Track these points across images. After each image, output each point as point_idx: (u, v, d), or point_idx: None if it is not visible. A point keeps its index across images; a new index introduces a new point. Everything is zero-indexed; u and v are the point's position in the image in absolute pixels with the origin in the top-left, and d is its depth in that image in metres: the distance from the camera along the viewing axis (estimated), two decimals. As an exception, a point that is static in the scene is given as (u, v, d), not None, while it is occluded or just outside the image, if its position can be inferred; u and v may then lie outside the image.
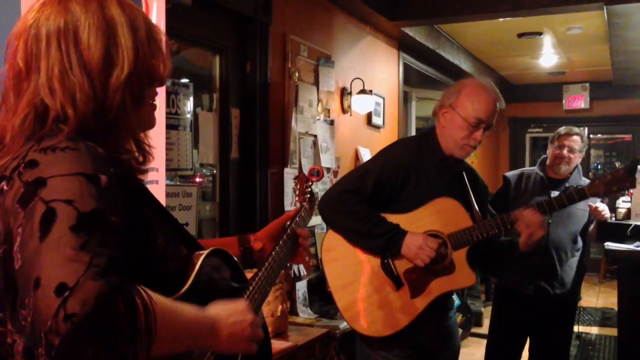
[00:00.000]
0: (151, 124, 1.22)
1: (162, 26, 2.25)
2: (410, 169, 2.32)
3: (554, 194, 3.50)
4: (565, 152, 3.48)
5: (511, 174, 3.75)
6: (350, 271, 2.34)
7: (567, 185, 3.51)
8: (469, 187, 2.41)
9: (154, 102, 1.21)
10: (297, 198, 1.81)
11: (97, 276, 0.89)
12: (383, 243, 2.27)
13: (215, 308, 1.12)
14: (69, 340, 0.85)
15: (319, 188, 4.26)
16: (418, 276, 2.29)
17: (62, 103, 1.07)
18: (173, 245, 1.19)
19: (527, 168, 3.82)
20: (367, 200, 2.30)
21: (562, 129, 3.57)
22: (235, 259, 1.37)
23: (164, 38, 1.20)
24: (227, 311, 1.13)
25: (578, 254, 3.56)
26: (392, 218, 2.30)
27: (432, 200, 2.31)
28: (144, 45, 1.14)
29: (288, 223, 1.68)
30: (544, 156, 3.70)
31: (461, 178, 2.42)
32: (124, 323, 0.89)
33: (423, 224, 2.30)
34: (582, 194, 2.38)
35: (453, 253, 2.28)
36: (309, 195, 1.82)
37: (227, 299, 1.30)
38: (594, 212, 3.42)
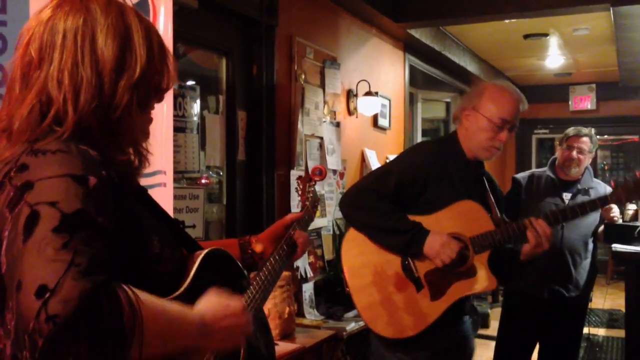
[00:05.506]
0: (147, 134, 1.24)
1: (169, 29, 2.27)
2: (431, 172, 2.31)
3: (566, 195, 3.49)
4: (574, 153, 3.46)
5: (521, 175, 3.71)
6: (370, 271, 2.32)
7: (578, 186, 3.49)
8: (488, 191, 2.40)
9: (151, 115, 1.23)
10: (300, 198, 1.81)
11: (79, 275, 0.89)
12: (406, 240, 2.24)
13: (209, 304, 1.11)
14: (52, 341, 0.85)
15: (325, 190, 4.26)
16: (439, 278, 2.27)
17: (65, 97, 1.08)
18: (169, 246, 1.19)
19: (537, 169, 3.78)
20: (389, 200, 2.29)
21: (571, 130, 3.53)
22: (236, 259, 1.36)
23: (171, 56, 1.24)
24: (222, 312, 1.11)
25: (590, 255, 3.54)
26: (414, 219, 2.29)
27: (454, 203, 2.29)
28: (155, 55, 1.17)
29: (294, 225, 1.69)
30: (554, 157, 3.67)
31: (481, 182, 2.42)
32: (109, 323, 0.89)
33: (445, 226, 2.27)
34: (604, 201, 2.40)
35: (475, 257, 2.26)
36: (311, 195, 1.81)
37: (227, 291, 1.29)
38: (605, 213, 3.39)
